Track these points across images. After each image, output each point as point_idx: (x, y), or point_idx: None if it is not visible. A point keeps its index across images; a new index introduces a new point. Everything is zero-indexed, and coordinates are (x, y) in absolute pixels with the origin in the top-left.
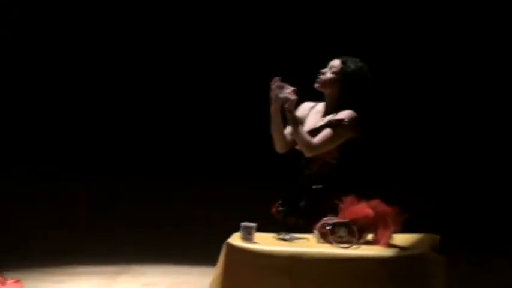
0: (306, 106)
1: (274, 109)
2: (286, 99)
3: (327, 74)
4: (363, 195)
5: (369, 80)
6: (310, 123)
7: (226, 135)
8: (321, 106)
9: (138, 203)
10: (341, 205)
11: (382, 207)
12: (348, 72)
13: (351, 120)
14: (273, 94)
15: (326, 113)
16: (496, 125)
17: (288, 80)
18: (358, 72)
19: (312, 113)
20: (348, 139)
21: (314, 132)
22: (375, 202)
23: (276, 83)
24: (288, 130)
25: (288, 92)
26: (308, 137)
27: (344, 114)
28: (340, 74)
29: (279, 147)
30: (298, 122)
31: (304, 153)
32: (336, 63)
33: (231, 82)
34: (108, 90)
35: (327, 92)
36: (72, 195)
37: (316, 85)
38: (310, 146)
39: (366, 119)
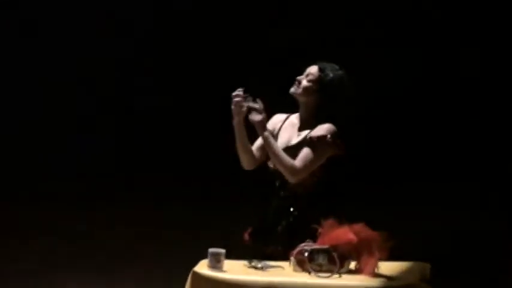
0: (277, 119)
1: (237, 123)
2: (251, 112)
3: (303, 81)
4: (345, 217)
5: (348, 90)
6: (284, 139)
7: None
8: (294, 118)
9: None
10: (320, 229)
11: (367, 231)
12: (326, 80)
13: (333, 135)
14: (235, 106)
15: (301, 126)
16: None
17: (254, 90)
18: (338, 81)
19: (285, 127)
20: (329, 156)
21: (291, 150)
22: (358, 226)
23: (238, 93)
24: (256, 145)
25: (258, 107)
26: (290, 161)
27: (324, 130)
28: (317, 82)
29: (246, 164)
30: (274, 144)
31: (288, 179)
32: (313, 70)
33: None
34: None
35: (302, 100)
36: None
37: (291, 90)
38: (293, 170)
39: (347, 133)
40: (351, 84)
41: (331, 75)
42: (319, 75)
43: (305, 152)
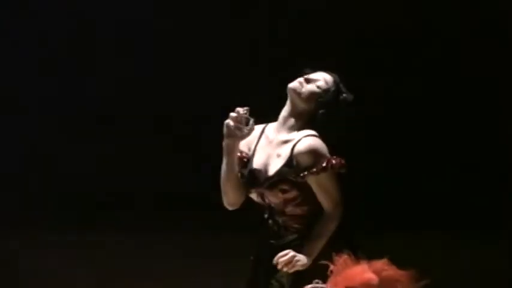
0: (252, 135)
1: (232, 149)
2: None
3: (312, 84)
4: (361, 250)
5: (349, 116)
6: (260, 158)
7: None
8: (270, 129)
9: None
10: (332, 267)
11: (390, 270)
12: (335, 98)
13: (324, 154)
14: (232, 128)
15: (280, 131)
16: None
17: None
18: (343, 102)
19: (262, 143)
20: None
21: (274, 176)
22: (379, 263)
23: (242, 113)
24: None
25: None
26: (323, 224)
27: (314, 151)
28: (325, 93)
29: (232, 201)
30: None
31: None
32: (328, 78)
33: None
34: None
35: (297, 103)
36: None
37: (293, 86)
38: (334, 212)
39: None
40: (352, 113)
41: (344, 95)
42: (331, 89)
43: (325, 188)
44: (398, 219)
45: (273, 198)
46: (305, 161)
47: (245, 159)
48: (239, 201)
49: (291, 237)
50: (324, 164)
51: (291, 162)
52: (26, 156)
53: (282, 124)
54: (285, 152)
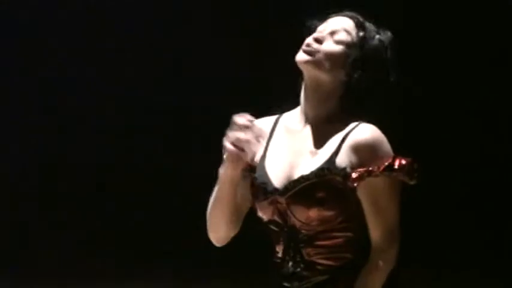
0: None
1: (230, 173)
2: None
3: (327, 43)
4: None
5: (393, 67)
6: (279, 157)
7: None
8: (290, 120)
9: None
10: None
11: None
12: (371, 46)
13: (389, 153)
14: (233, 147)
15: (311, 127)
16: None
17: None
18: (384, 49)
19: (279, 137)
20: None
21: (304, 183)
22: None
23: (247, 123)
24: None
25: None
26: (372, 266)
27: (377, 137)
28: (354, 47)
29: (223, 236)
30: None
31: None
32: (346, 24)
33: None
34: None
35: (318, 77)
36: None
37: (301, 58)
38: (388, 254)
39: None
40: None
41: (377, 36)
42: (360, 35)
43: (377, 201)
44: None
45: (301, 215)
46: (364, 157)
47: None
48: (231, 235)
49: (320, 278)
50: (391, 162)
51: (336, 159)
52: None
53: (308, 111)
54: (328, 146)
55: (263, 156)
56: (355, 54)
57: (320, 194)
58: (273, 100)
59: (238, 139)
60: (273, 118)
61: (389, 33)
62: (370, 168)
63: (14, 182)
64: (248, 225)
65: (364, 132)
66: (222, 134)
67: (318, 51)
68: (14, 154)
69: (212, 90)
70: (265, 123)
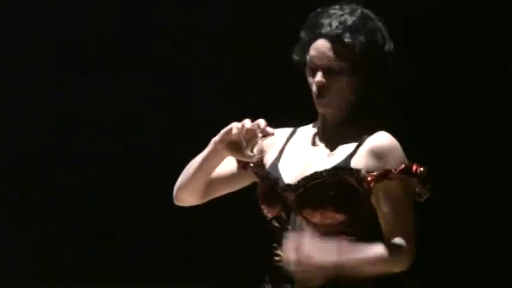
0: (276, 138)
1: (219, 147)
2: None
3: (336, 77)
4: None
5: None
6: (294, 157)
7: None
8: (307, 130)
9: None
10: None
11: None
12: (363, 50)
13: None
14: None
15: (325, 132)
16: None
17: None
18: (377, 38)
19: (295, 143)
20: None
21: (316, 181)
22: None
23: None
24: (221, 172)
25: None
26: (385, 248)
27: (394, 143)
28: (350, 61)
29: (182, 196)
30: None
31: (401, 269)
32: (329, 51)
33: None
34: None
35: (330, 111)
36: None
37: (321, 109)
38: (405, 255)
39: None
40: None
41: (363, 37)
42: (349, 47)
43: (393, 203)
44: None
45: (308, 213)
46: (381, 161)
47: (259, 162)
48: (190, 202)
49: (319, 282)
50: (409, 166)
51: (351, 162)
52: None
53: (327, 122)
54: (343, 148)
55: (277, 158)
56: (354, 66)
57: (331, 193)
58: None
59: (253, 131)
60: (289, 130)
61: (370, 19)
62: (387, 169)
63: None
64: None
65: (382, 138)
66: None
67: (328, 95)
68: None
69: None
70: (281, 131)
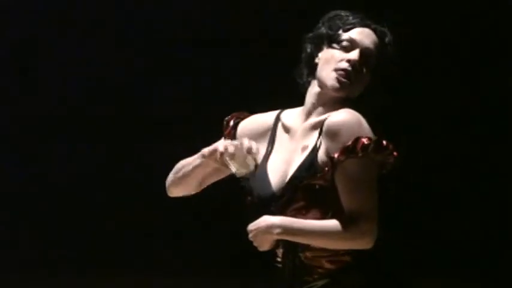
0: (256, 123)
1: (208, 163)
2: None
3: (362, 73)
4: None
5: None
6: (277, 160)
7: None
8: (290, 116)
9: None
10: None
11: None
12: (385, 57)
13: (368, 134)
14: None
15: (307, 116)
16: None
17: None
18: (392, 54)
19: (279, 137)
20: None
21: (292, 180)
22: None
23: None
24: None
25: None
26: (339, 225)
27: (349, 124)
28: (377, 53)
29: (174, 192)
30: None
31: (360, 245)
32: (373, 42)
33: None
34: None
35: (338, 97)
36: None
37: (339, 87)
38: (362, 233)
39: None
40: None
41: (389, 45)
42: (381, 42)
43: (350, 184)
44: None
45: (295, 217)
46: (336, 141)
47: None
48: (186, 195)
49: (321, 282)
50: (366, 142)
51: (317, 155)
52: None
53: (311, 107)
54: (313, 139)
55: (265, 157)
56: (376, 60)
57: (301, 203)
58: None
59: (238, 149)
60: (274, 115)
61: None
62: (345, 147)
63: None
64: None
65: (338, 115)
66: None
67: (353, 81)
68: None
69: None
70: (266, 117)
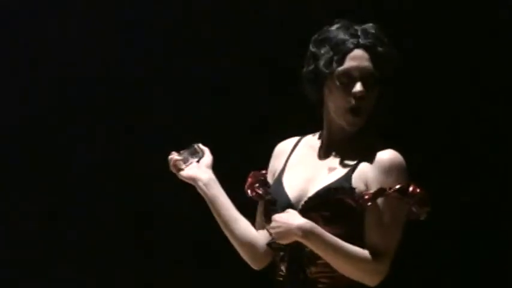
0: (283, 148)
1: (207, 193)
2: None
3: (368, 100)
4: None
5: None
6: (296, 175)
7: None
8: (312, 140)
9: None
10: None
11: None
12: (386, 70)
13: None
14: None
15: (330, 143)
16: None
17: None
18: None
19: (298, 156)
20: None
21: (314, 207)
22: None
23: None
24: (260, 230)
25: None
26: (363, 253)
27: (401, 161)
28: (381, 68)
29: (253, 263)
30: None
31: (367, 281)
32: (368, 63)
33: None
34: None
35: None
36: None
37: (355, 123)
38: (373, 266)
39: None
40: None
41: (387, 47)
42: (382, 57)
43: (381, 219)
44: None
45: None
46: (381, 179)
47: (262, 178)
48: (262, 260)
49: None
50: (405, 186)
51: (352, 178)
52: None
53: (334, 136)
54: (346, 162)
55: (282, 171)
56: (382, 75)
57: (326, 214)
58: None
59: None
60: (296, 139)
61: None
62: (382, 188)
63: None
64: None
65: (386, 153)
66: None
67: (364, 111)
68: None
69: None
70: (287, 143)
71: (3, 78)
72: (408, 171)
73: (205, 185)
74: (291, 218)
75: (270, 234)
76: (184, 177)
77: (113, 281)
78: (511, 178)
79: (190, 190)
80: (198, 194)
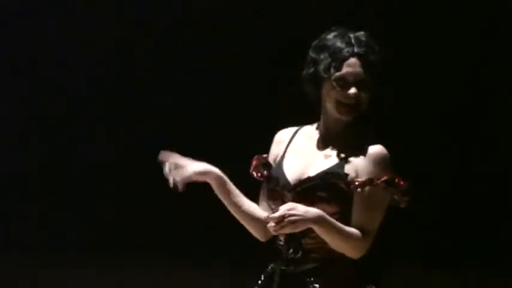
0: (283, 136)
1: (217, 186)
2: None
3: (362, 96)
4: None
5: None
6: (295, 159)
7: None
8: (310, 130)
9: None
10: None
11: None
12: (376, 70)
13: (394, 173)
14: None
15: (327, 136)
16: None
17: None
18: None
19: (297, 144)
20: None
21: (315, 178)
22: None
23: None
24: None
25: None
26: (351, 230)
27: (382, 163)
28: (372, 73)
29: (261, 236)
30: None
31: (352, 255)
32: (359, 68)
33: None
34: None
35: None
36: None
37: (350, 115)
38: (360, 243)
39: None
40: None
41: (378, 55)
42: (373, 64)
43: (373, 204)
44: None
45: None
46: (370, 169)
47: (265, 161)
48: (266, 234)
49: (310, 266)
50: (392, 178)
51: (345, 165)
52: None
53: (331, 129)
54: (340, 153)
55: (282, 157)
56: (373, 79)
57: (322, 194)
58: None
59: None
60: (294, 128)
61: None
62: (371, 178)
63: None
64: None
65: (376, 147)
66: None
67: (358, 104)
68: None
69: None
70: (286, 131)
71: (3, 78)
72: (392, 164)
73: (219, 174)
74: (304, 211)
75: (272, 209)
76: (198, 173)
77: (113, 281)
78: (511, 178)
79: (190, 190)
80: (198, 194)
